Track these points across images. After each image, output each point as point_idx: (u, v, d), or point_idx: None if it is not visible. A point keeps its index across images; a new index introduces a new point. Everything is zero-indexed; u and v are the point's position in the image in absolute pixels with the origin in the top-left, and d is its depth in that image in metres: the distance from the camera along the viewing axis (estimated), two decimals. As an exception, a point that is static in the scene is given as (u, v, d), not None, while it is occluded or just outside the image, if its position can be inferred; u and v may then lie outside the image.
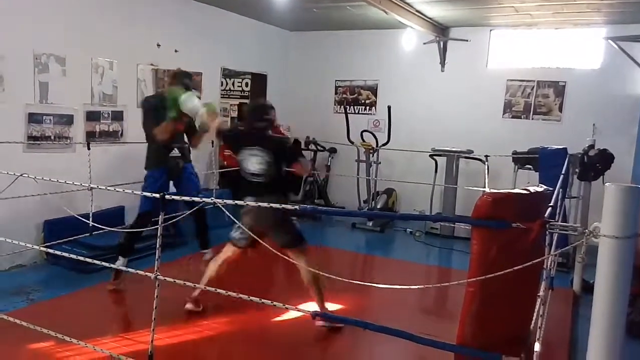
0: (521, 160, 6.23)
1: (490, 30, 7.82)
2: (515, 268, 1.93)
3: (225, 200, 2.58)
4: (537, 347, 2.03)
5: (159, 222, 2.55)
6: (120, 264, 4.44)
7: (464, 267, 4.73)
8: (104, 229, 3.87)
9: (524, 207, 2.40)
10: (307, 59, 9.20)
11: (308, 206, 2.68)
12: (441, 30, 7.90)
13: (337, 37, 8.85)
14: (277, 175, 4.00)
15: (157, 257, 2.58)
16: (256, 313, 4.20)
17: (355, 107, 8.91)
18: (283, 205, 2.48)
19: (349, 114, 8.25)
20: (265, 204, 2.69)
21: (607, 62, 7.06)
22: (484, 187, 5.85)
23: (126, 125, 6.19)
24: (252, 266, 4.92)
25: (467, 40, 7.88)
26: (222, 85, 8.53)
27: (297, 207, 2.52)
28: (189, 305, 4.15)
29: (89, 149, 4.92)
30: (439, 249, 6.84)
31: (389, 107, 7.79)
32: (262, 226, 3.94)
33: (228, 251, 4.14)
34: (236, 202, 2.69)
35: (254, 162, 3.97)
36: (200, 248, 5.13)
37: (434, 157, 7.45)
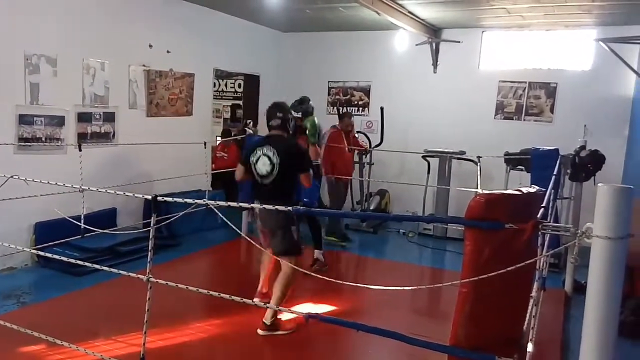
0: (513, 161, 6.26)
1: (482, 31, 7.85)
2: (508, 269, 1.93)
3: (218, 202, 2.57)
4: (530, 347, 2.04)
5: (151, 224, 2.53)
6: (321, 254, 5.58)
7: (456, 268, 4.72)
8: (95, 231, 3.84)
9: (516, 207, 2.41)
10: (300, 60, 9.19)
11: (301, 207, 2.67)
12: (433, 32, 7.92)
13: (329, 38, 8.85)
14: (284, 179, 3.97)
15: (149, 259, 2.57)
16: (249, 315, 4.18)
17: (348, 108, 8.91)
18: (277, 207, 2.47)
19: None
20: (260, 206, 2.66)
21: (598, 64, 7.11)
22: (477, 188, 5.88)
23: (118, 126, 6.16)
24: (245, 269, 4.92)
25: (459, 42, 7.91)
26: (214, 86, 8.52)
27: (289, 208, 2.51)
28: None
29: (80, 150, 4.88)
30: (431, 249, 6.85)
31: (382, 109, 7.81)
32: (266, 229, 4.04)
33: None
34: (229, 204, 2.68)
35: (262, 162, 3.98)
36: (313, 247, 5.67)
37: (427, 158, 7.47)
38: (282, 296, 3.91)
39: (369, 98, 8.79)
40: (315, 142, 5.35)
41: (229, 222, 2.85)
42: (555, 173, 4.13)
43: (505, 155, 6.35)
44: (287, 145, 4.07)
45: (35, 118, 5.23)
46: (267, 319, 3.94)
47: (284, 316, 4.02)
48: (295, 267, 3.77)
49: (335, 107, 8.71)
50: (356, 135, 7.36)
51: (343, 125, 6.88)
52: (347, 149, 6.74)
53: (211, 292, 2.60)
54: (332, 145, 6.55)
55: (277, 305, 3.81)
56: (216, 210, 2.57)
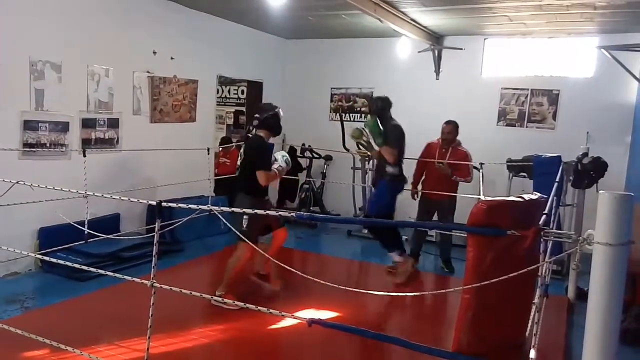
0: (515, 168, 6.26)
1: (485, 39, 7.88)
2: (510, 275, 1.94)
3: (221, 208, 2.59)
4: (532, 354, 2.05)
5: (156, 229, 2.55)
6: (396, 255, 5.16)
7: (459, 274, 4.71)
8: (99, 236, 3.86)
9: (518, 214, 2.42)
10: (303, 66, 9.23)
11: (304, 213, 2.68)
12: (436, 39, 7.95)
13: (332, 45, 8.89)
14: (246, 175, 4.44)
15: (153, 264, 2.58)
16: (252, 320, 4.20)
17: (351, 114, 8.94)
18: (280, 212, 2.49)
19: (344, 122, 8.28)
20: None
21: (600, 71, 7.13)
22: (479, 195, 5.88)
23: (122, 132, 6.19)
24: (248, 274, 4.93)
25: (461, 49, 7.94)
26: (218, 92, 8.53)
27: (292, 214, 2.53)
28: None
29: (84, 156, 4.92)
30: (434, 256, 6.85)
31: (384, 115, 7.80)
32: None
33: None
34: (232, 209, 2.69)
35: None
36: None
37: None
38: (228, 277, 4.47)
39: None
40: (380, 143, 5.13)
41: (232, 228, 2.87)
42: (557, 180, 4.13)
43: (507, 162, 6.35)
44: (249, 143, 4.63)
45: (40, 124, 5.27)
46: (219, 290, 4.42)
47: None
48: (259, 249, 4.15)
49: (337, 114, 8.74)
50: (461, 148, 6.16)
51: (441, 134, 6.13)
52: (435, 162, 5.93)
53: (215, 298, 2.62)
54: (420, 159, 6.08)
55: (225, 285, 4.46)
56: (219, 216, 2.58)
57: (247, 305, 2.50)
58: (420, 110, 8.31)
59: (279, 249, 4.78)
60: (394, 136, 5.21)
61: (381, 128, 5.21)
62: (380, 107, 5.35)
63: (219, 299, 3.98)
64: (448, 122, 6.18)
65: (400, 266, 5.18)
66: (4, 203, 3.51)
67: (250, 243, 3.70)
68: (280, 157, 4.65)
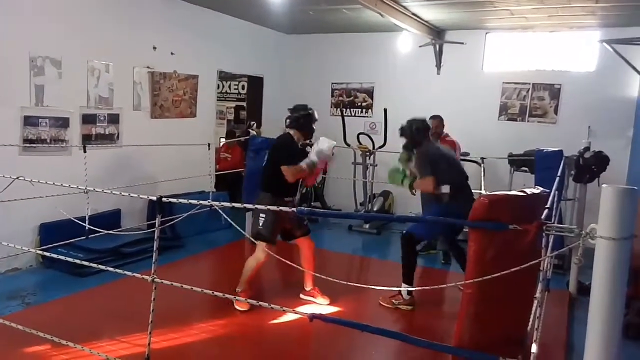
0: (517, 162, 6.25)
1: (486, 33, 7.85)
2: (512, 270, 1.94)
3: (222, 203, 2.58)
4: (534, 348, 2.04)
5: (156, 225, 2.55)
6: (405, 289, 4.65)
7: (460, 269, 4.69)
8: (100, 231, 3.86)
9: (520, 209, 2.41)
10: (304, 61, 9.21)
11: (305, 209, 2.67)
12: (437, 33, 7.93)
13: (333, 40, 8.86)
14: (268, 173, 4.42)
15: (154, 260, 2.58)
16: (254, 315, 4.20)
17: (352, 109, 8.93)
18: (281, 208, 2.48)
19: (345, 117, 8.26)
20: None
21: (602, 65, 7.10)
22: (481, 190, 5.87)
23: (122, 128, 6.18)
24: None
25: (462, 43, 7.91)
26: (218, 88, 8.50)
27: (293, 209, 2.52)
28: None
29: (85, 151, 4.91)
30: (436, 251, 6.84)
31: (385, 110, 7.80)
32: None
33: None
34: (233, 205, 2.69)
35: None
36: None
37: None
38: (245, 276, 4.36)
39: (372, 99, 8.79)
40: (412, 180, 4.90)
41: (233, 223, 2.86)
42: (559, 174, 4.11)
43: (509, 156, 6.34)
44: (274, 142, 4.66)
45: (40, 120, 5.26)
46: (238, 288, 4.37)
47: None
48: (268, 252, 4.07)
49: (338, 109, 8.72)
50: (449, 138, 6.26)
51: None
52: None
53: (216, 293, 2.62)
54: None
55: (243, 282, 4.37)
56: (220, 212, 2.57)
57: (248, 300, 2.51)
58: (421, 105, 8.26)
59: (313, 260, 4.48)
60: (422, 165, 4.76)
61: (406, 172, 4.99)
62: (414, 134, 4.91)
63: (236, 297, 3.97)
64: (434, 117, 6.16)
65: (397, 297, 4.70)
66: (4, 199, 3.52)
67: (255, 242, 3.71)
68: (312, 151, 4.52)
